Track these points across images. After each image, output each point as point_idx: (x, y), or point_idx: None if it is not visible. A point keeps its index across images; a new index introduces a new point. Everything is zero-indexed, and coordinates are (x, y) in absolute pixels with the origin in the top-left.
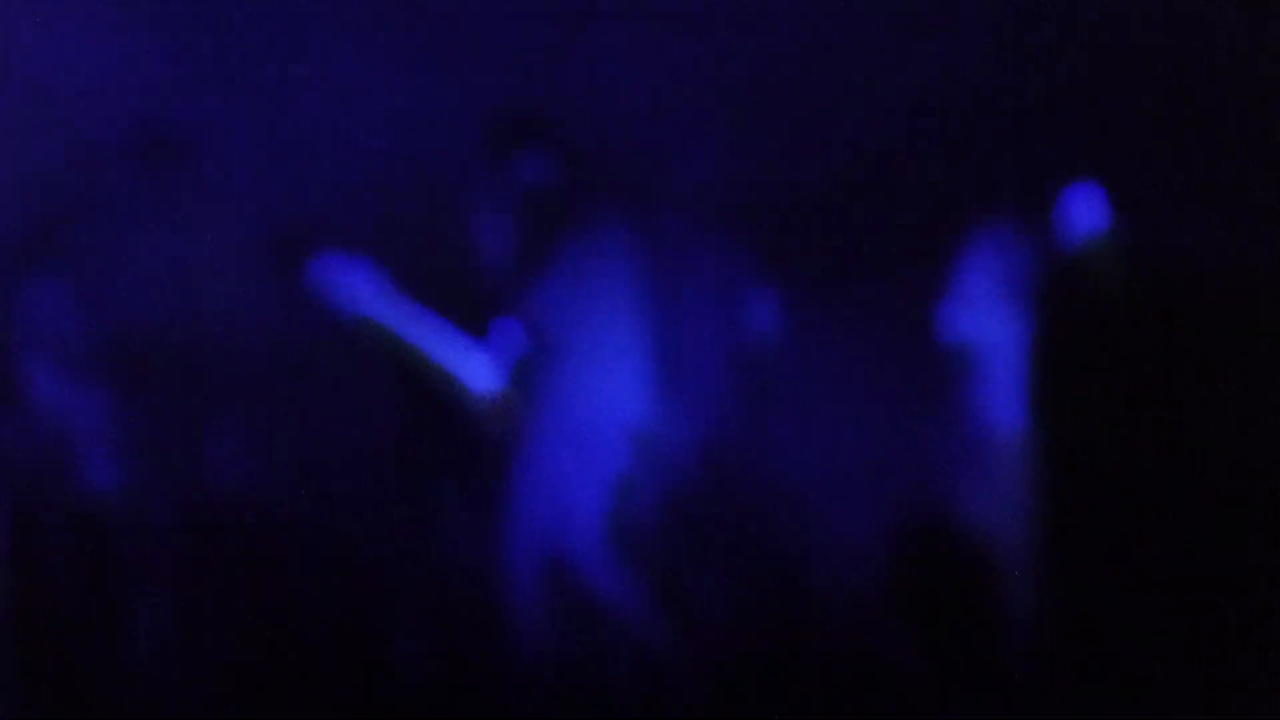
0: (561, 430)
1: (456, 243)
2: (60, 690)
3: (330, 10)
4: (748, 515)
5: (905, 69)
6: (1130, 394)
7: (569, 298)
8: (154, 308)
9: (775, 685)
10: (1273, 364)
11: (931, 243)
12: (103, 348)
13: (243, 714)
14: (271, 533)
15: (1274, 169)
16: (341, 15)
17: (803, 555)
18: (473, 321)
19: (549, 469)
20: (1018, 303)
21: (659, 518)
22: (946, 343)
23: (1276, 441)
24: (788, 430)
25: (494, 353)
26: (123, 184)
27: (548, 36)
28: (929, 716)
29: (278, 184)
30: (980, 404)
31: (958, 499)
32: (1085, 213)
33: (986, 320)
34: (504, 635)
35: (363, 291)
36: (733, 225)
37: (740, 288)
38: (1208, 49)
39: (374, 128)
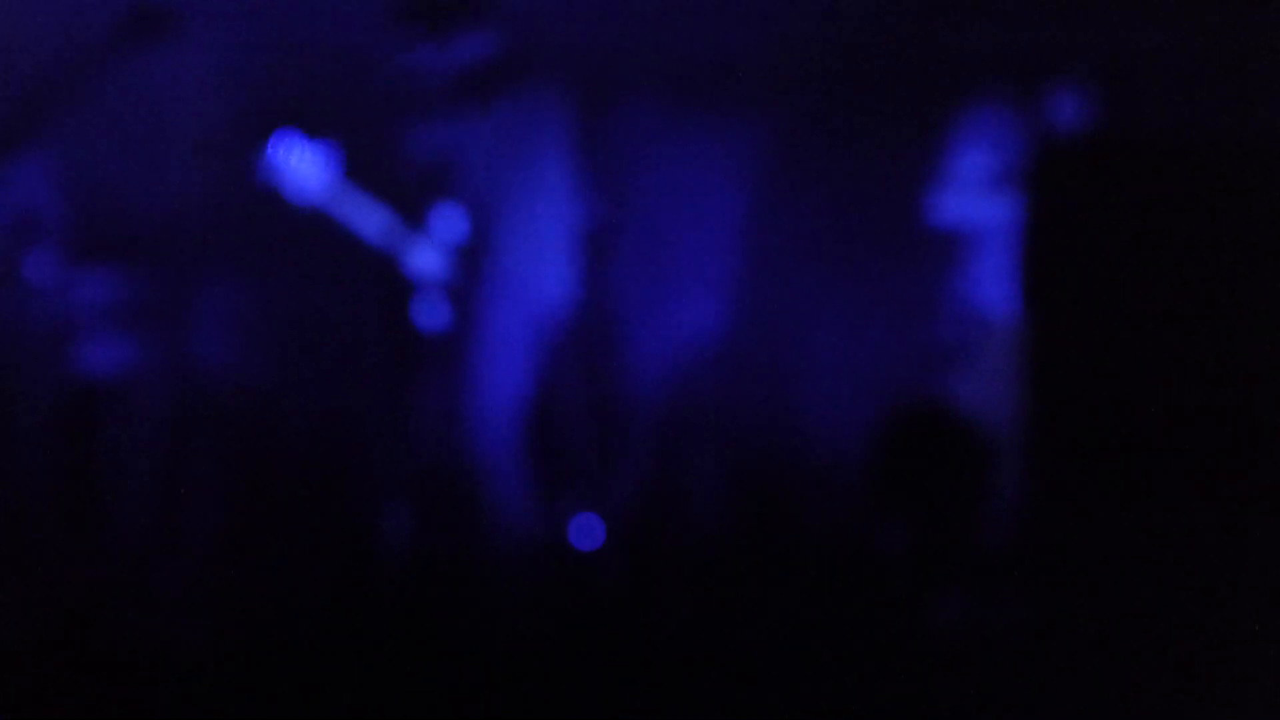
0: (492, 318)
1: (400, 126)
2: (45, 573)
3: None
4: (729, 405)
5: None
6: (1124, 281)
7: (513, 180)
8: (137, 186)
9: (761, 575)
10: (1270, 250)
11: (920, 128)
12: (87, 228)
13: (227, 590)
14: (255, 409)
15: (1271, 52)
16: None
17: (787, 443)
18: (413, 209)
19: (482, 357)
20: (1009, 188)
21: (631, 410)
22: (936, 229)
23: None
24: (769, 318)
25: (436, 240)
26: (105, 62)
27: None
28: (916, 604)
29: (256, 63)
30: (971, 291)
31: (947, 387)
32: (1075, 97)
33: (977, 206)
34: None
35: (315, 176)
36: (707, 105)
37: (714, 170)
38: None
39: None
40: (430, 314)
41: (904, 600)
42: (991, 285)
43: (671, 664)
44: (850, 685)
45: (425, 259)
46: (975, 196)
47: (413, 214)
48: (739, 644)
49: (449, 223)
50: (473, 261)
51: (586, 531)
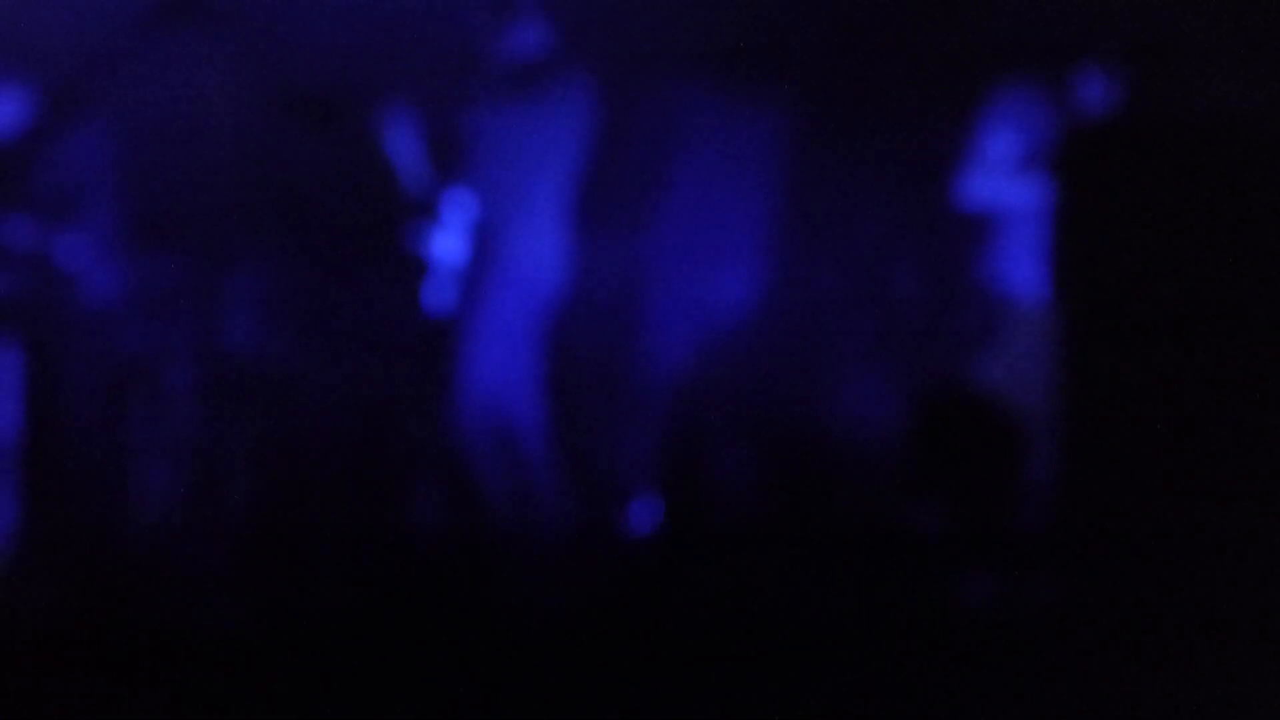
0: (504, 298)
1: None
2: (77, 556)
3: None
4: (757, 387)
5: None
6: (1154, 263)
7: (527, 164)
8: (172, 165)
9: (791, 557)
10: None
11: (949, 110)
12: (122, 209)
13: (256, 570)
14: (285, 392)
15: None
16: None
17: (816, 426)
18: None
19: (493, 337)
20: (1037, 171)
21: (657, 395)
22: (965, 211)
23: None
24: (798, 300)
25: (450, 223)
26: (139, 45)
27: None
28: (948, 586)
29: (295, 39)
30: (1000, 274)
31: (977, 370)
32: (1103, 78)
33: (1006, 188)
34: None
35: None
36: (735, 88)
37: (742, 154)
38: None
39: None
40: (439, 297)
41: (936, 582)
42: (1021, 267)
43: (702, 645)
44: (883, 666)
45: (439, 242)
46: (1003, 179)
47: (427, 197)
48: (770, 626)
49: (462, 206)
50: (484, 245)
51: (621, 514)
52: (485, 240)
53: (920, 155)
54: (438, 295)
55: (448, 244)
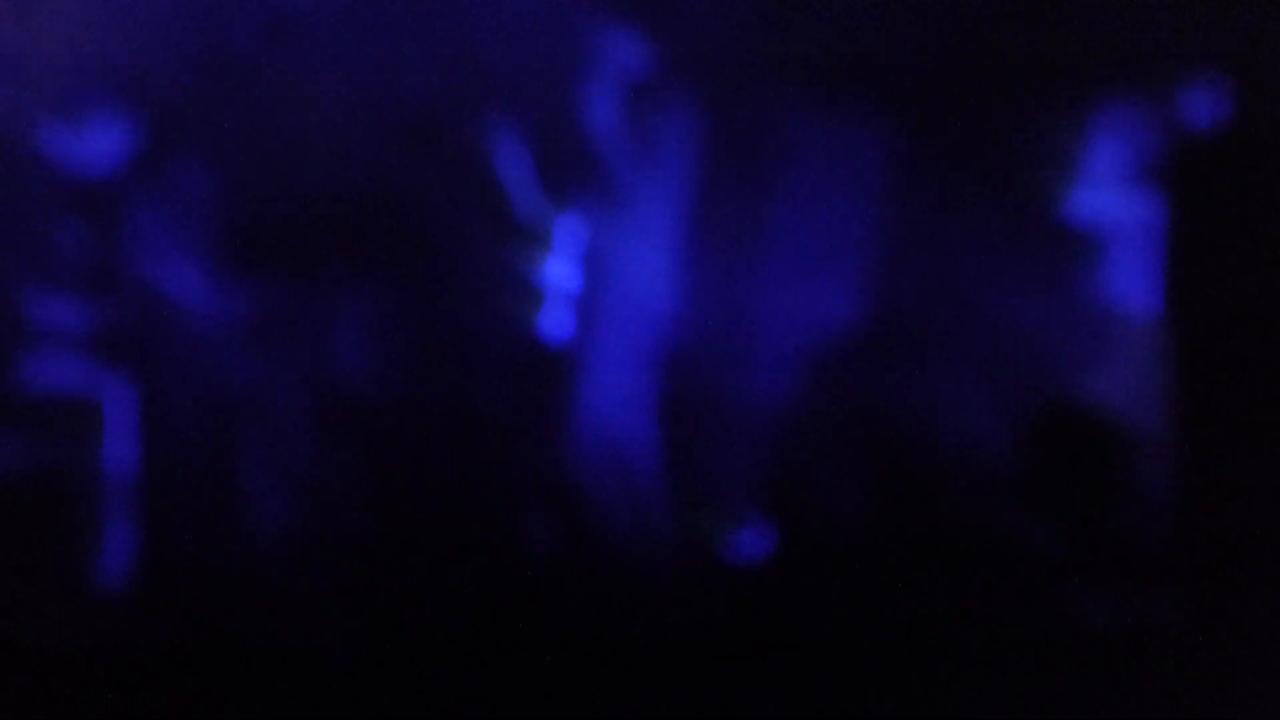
0: (615, 326)
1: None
2: (190, 581)
3: None
4: (866, 407)
5: None
6: (1267, 278)
7: (639, 188)
8: (281, 191)
9: (906, 574)
10: None
11: (1057, 123)
12: (231, 235)
13: (368, 596)
14: (396, 423)
15: None
16: None
17: (927, 443)
18: (542, 218)
19: (608, 363)
20: (1147, 185)
21: (767, 413)
22: (1073, 226)
23: None
24: (904, 318)
25: (563, 250)
26: (252, 64)
27: None
28: (1064, 604)
29: (402, 60)
30: (1110, 289)
31: (1088, 385)
32: (1214, 92)
33: (1116, 202)
34: (597, 528)
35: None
36: (839, 101)
37: (846, 168)
38: None
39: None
40: (555, 325)
41: (1053, 600)
42: (1131, 281)
43: (815, 669)
44: (1000, 686)
45: (552, 269)
46: (1112, 193)
47: (540, 221)
48: (883, 648)
49: (575, 232)
50: (597, 270)
51: (735, 540)
52: (598, 265)
53: (1027, 169)
54: (551, 321)
55: (561, 269)
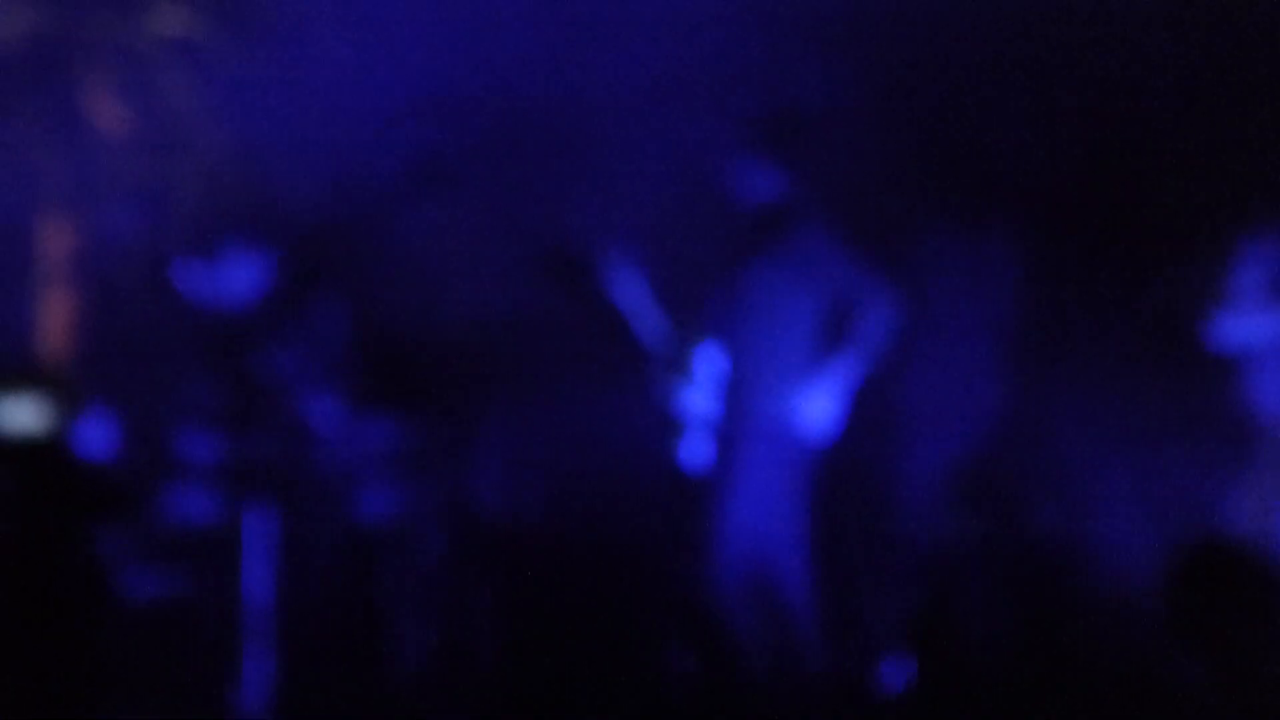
0: (758, 448)
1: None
2: (328, 712)
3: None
4: (1010, 534)
5: (1170, 69)
6: None
7: (775, 317)
8: (416, 326)
9: (1053, 705)
10: None
11: (1199, 246)
12: (371, 369)
13: None
14: (533, 552)
15: None
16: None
17: (1076, 569)
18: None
19: (749, 488)
20: None
21: (913, 543)
22: (1218, 349)
23: None
24: (1050, 441)
25: (702, 378)
26: (396, 207)
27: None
28: None
29: (539, 197)
30: (1255, 411)
31: (1234, 509)
32: None
33: (1260, 326)
34: (741, 657)
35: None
36: (981, 227)
37: (990, 292)
38: None
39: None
40: (695, 454)
41: None
42: (1275, 401)
43: None
44: None
45: (690, 398)
46: (1257, 317)
47: (680, 353)
48: None
49: (713, 361)
50: (736, 400)
51: (886, 672)
52: (737, 394)
53: (1174, 293)
54: (691, 450)
55: (699, 399)
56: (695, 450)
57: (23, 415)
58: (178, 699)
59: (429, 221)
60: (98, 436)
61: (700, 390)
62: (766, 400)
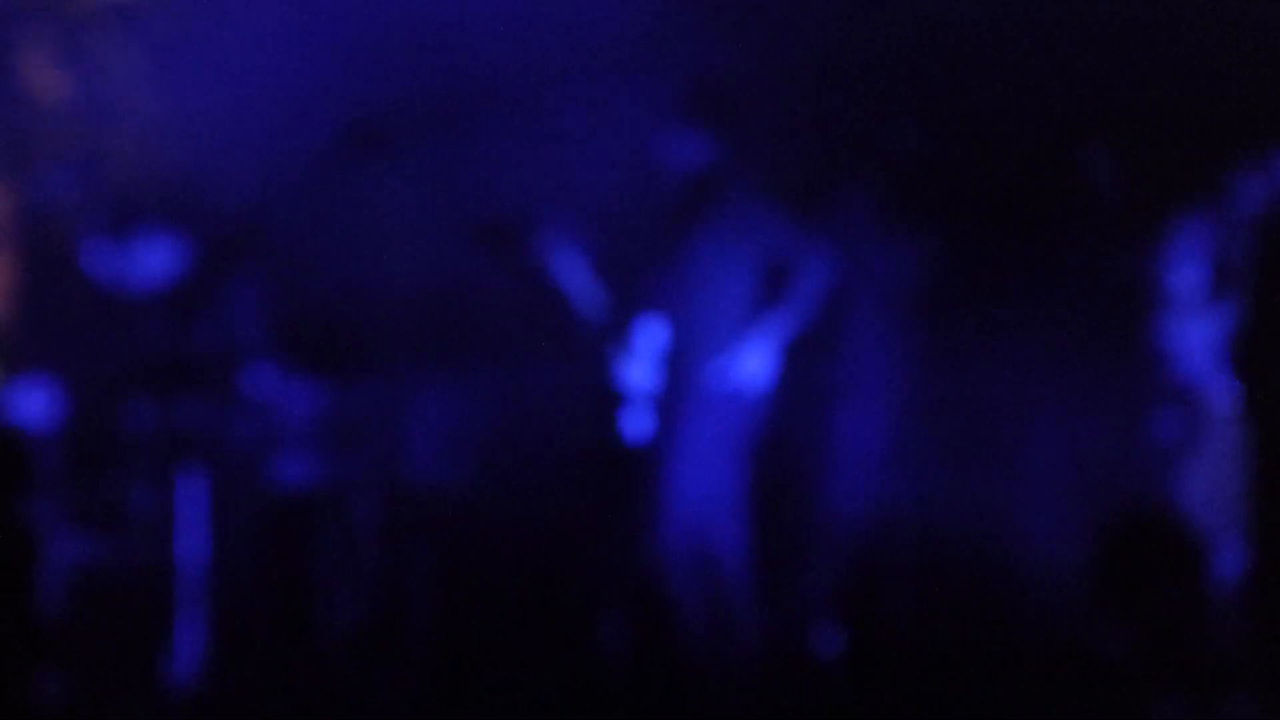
0: (698, 416)
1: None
2: (260, 679)
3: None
4: (942, 506)
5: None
6: None
7: (714, 288)
8: (350, 296)
9: (981, 679)
10: None
11: (1130, 241)
12: (303, 339)
13: (441, 701)
14: (467, 524)
15: None
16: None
17: (1003, 544)
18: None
19: (689, 456)
20: (1224, 290)
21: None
22: (1155, 337)
23: None
24: (981, 409)
25: (640, 347)
26: (326, 176)
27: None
28: (1137, 711)
29: (473, 168)
30: (1190, 393)
31: (1167, 488)
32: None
33: (1195, 312)
34: (679, 627)
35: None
36: (914, 213)
37: (918, 255)
38: None
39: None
40: (636, 425)
41: (1126, 707)
42: (1210, 380)
43: None
44: None
45: (630, 370)
46: (1192, 303)
47: (618, 324)
48: None
49: (653, 333)
50: (675, 368)
51: (816, 639)
52: (676, 362)
53: (1108, 289)
54: (631, 422)
55: (638, 368)
56: (635, 420)
57: None
58: (110, 667)
59: (365, 189)
60: (30, 404)
61: (639, 359)
62: (705, 367)
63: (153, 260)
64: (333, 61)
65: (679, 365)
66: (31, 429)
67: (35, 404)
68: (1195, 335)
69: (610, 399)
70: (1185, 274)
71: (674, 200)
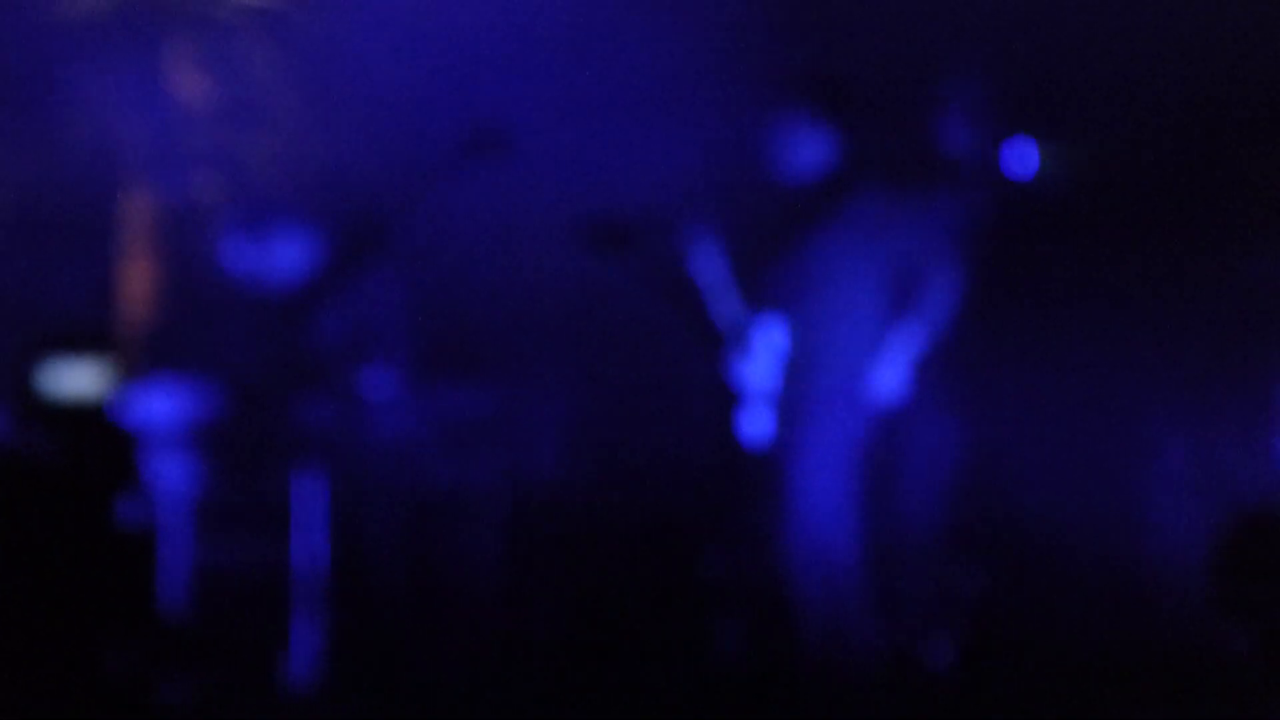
0: (820, 423)
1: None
2: (379, 681)
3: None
4: (1070, 513)
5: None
6: None
7: (837, 291)
8: (477, 295)
9: (1105, 681)
10: None
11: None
12: (431, 338)
13: (560, 706)
14: (589, 525)
15: None
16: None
17: (1130, 550)
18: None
19: (810, 463)
20: None
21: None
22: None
23: None
24: (1105, 420)
25: (760, 354)
26: (457, 176)
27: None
28: (1258, 708)
29: (601, 172)
30: None
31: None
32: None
33: None
34: (797, 632)
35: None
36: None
37: (1036, 285)
38: None
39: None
40: (758, 428)
41: (1247, 704)
42: None
43: None
44: None
45: (753, 372)
46: None
47: (744, 326)
48: None
49: (776, 335)
50: (798, 374)
51: (933, 650)
52: (800, 367)
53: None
54: (752, 425)
55: (762, 372)
56: (756, 424)
57: (87, 381)
58: (229, 667)
59: (494, 189)
60: (156, 403)
61: (762, 361)
62: (829, 373)
63: (289, 258)
64: (465, 62)
65: (803, 369)
66: (158, 428)
67: (163, 403)
68: None
69: (732, 401)
70: None
71: (799, 202)
